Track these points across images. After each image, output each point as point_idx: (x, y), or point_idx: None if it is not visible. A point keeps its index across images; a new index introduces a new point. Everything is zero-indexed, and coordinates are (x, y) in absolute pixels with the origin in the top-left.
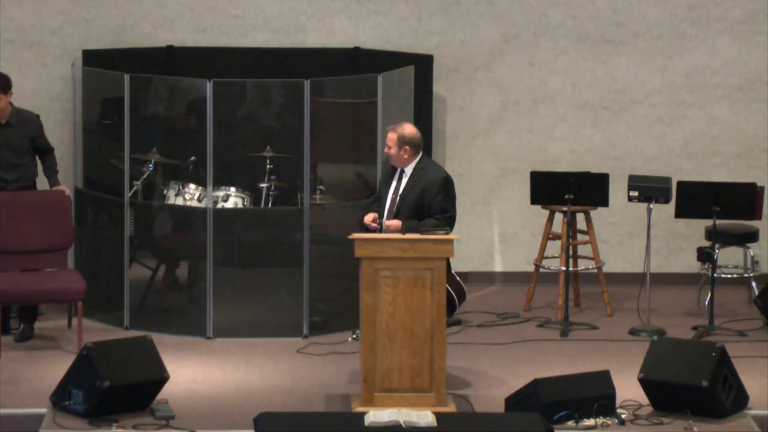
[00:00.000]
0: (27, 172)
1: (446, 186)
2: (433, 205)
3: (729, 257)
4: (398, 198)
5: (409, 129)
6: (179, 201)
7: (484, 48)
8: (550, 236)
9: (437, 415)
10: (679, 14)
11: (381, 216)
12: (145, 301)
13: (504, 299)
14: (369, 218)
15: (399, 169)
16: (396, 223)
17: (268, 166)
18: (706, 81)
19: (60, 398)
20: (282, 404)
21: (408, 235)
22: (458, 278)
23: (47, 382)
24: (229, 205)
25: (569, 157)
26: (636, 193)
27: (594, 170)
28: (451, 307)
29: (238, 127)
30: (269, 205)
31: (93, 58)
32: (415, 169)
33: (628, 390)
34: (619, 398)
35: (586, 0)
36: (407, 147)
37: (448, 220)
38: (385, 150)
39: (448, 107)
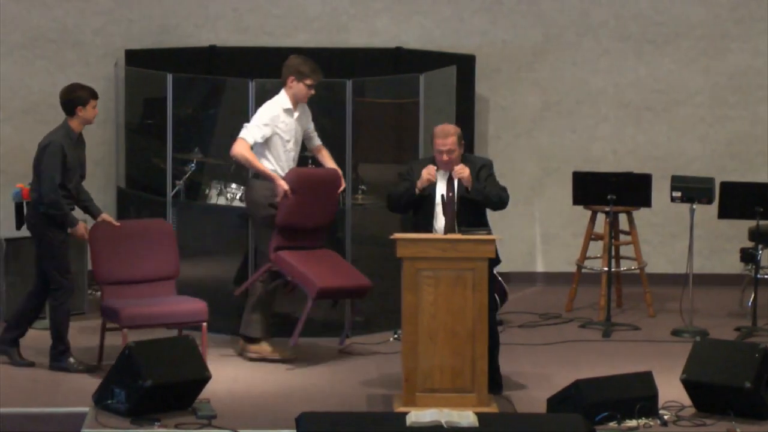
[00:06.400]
0: None
1: (493, 169)
2: (488, 181)
3: None
4: (456, 191)
5: (455, 127)
6: (221, 200)
7: (526, 48)
8: (593, 237)
9: (479, 415)
10: (722, 14)
11: (432, 218)
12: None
13: (545, 300)
14: (429, 172)
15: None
16: (467, 171)
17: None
18: (750, 81)
19: (102, 397)
20: (323, 404)
21: (449, 236)
22: (500, 279)
23: (90, 381)
24: None
25: (611, 157)
26: (679, 194)
27: (636, 170)
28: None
29: None
30: None
31: (136, 58)
32: (462, 160)
33: (671, 391)
34: (662, 399)
35: (629, 0)
36: (462, 142)
37: (506, 192)
38: (446, 157)
39: (490, 107)
